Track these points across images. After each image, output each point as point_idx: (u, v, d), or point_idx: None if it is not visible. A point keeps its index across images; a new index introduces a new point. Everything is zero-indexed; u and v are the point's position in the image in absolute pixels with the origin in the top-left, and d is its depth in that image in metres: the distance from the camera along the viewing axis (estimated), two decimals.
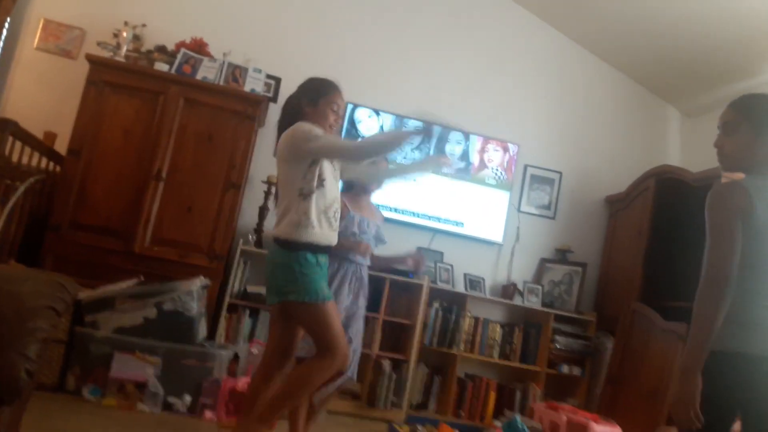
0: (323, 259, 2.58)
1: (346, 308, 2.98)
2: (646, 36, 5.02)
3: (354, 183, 3.19)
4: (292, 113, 2.69)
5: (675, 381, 1.78)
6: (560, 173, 5.38)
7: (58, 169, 4.25)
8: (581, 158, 5.47)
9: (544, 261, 5.26)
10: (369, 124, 4.97)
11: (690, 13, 4.53)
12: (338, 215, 2.67)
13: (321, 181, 2.55)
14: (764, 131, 1.85)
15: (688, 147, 5.57)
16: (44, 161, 4.12)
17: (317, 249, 2.52)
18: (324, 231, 2.55)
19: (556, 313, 4.88)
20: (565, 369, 4.83)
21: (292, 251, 2.48)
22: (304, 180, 2.53)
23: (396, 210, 4.92)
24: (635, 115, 5.64)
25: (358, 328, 3.08)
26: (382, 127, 4.99)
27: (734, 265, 1.74)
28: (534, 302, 4.95)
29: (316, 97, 2.68)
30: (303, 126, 2.57)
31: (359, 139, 2.48)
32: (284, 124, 2.70)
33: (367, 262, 3.14)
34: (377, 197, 3.25)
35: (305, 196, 2.52)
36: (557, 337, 4.84)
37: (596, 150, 5.52)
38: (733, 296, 1.75)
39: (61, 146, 4.22)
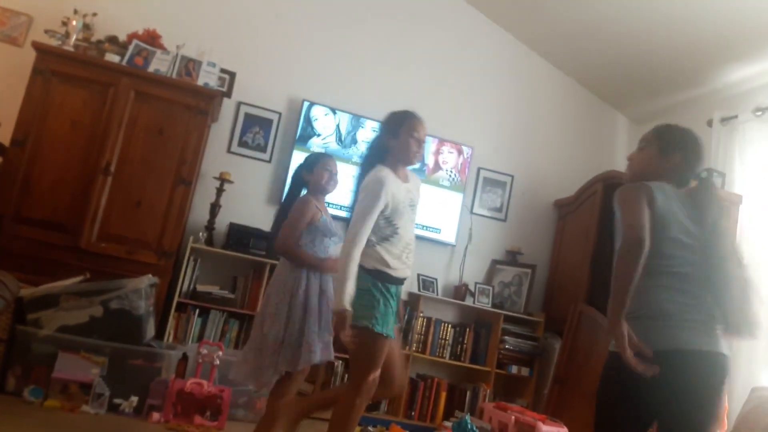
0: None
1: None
2: (597, 42, 5.14)
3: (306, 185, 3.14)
4: (378, 149, 2.77)
5: (605, 335, 1.94)
6: (512, 176, 5.46)
7: (0, 159, 4.08)
8: (532, 162, 5.56)
9: (495, 262, 5.34)
10: (325, 123, 4.94)
11: (640, 22, 4.66)
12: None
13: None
14: (668, 152, 2.12)
15: None
16: None
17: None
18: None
19: (505, 314, 4.95)
20: (514, 369, 4.91)
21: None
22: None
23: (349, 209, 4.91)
24: (585, 121, 5.78)
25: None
26: (338, 126, 4.97)
27: (646, 231, 1.87)
28: (484, 303, 5.01)
29: (396, 129, 2.71)
30: (371, 176, 2.63)
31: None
32: (368, 162, 2.76)
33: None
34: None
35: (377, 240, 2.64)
36: (506, 338, 4.92)
37: (547, 154, 5.63)
38: (642, 291, 1.89)
39: (4, 136, 4.06)
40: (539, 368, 4.99)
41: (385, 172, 2.61)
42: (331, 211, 3.22)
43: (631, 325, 1.83)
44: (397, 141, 2.69)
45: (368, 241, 2.56)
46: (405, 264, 2.66)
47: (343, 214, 3.35)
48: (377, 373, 2.58)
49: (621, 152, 5.82)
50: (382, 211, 2.57)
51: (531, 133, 5.59)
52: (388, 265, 2.59)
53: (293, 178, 3.19)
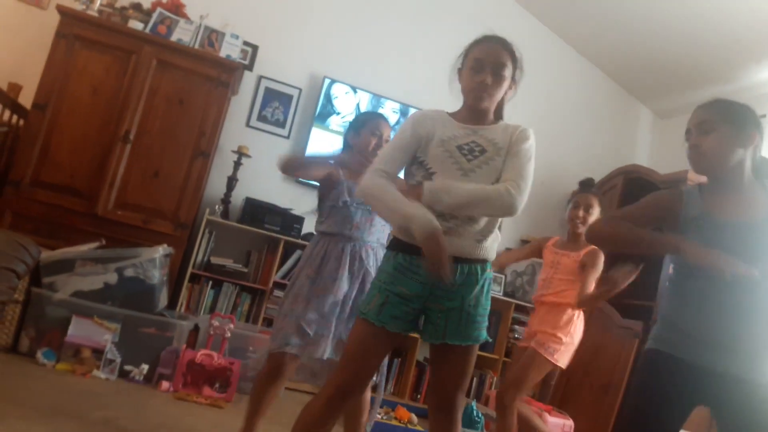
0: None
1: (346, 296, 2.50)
2: (625, 33, 5.05)
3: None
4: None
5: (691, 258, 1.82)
6: None
7: (21, 122, 4.09)
8: (552, 151, 5.50)
9: (508, 251, 5.30)
10: (345, 101, 4.91)
11: (670, 15, 4.58)
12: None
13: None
14: (741, 135, 1.88)
15: (657, 148, 5.67)
16: (7, 114, 3.96)
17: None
18: None
19: (516, 302, 4.94)
20: None
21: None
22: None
23: None
24: (608, 112, 5.70)
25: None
26: (358, 106, 4.93)
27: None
28: (496, 291, 4.99)
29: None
30: None
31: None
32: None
33: (372, 239, 2.59)
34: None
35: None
36: (516, 327, 4.91)
37: (567, 144, 5.57)
38: (669, 296, 1.89)
39: (26, 99, 4.06)
40: None
41: None
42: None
43: None
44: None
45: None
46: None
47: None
48: (350, 378, 1.87)
49: (643, 146, 5.76)
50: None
51: (552, 122, 5.53)
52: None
53: (342, 139, 2.75)
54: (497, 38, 2.03)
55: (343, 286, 2.46)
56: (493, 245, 1.93)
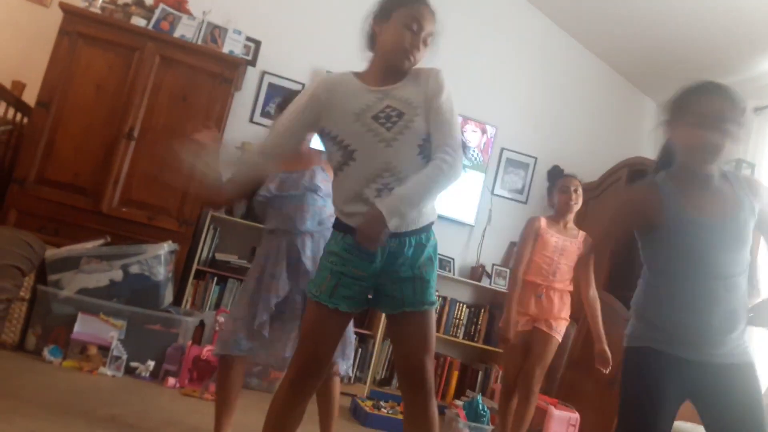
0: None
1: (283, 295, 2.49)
2: (629, 26, 5.02)
3: None
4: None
5: None
6: (535, 158, 5.40)
7: (25, 120, 4.10)
8: (557, 144, 5.48)
9: (513, 245, 5.29)
10: None
11: (674, 7, 4.54)
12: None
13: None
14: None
15: (661, 140, 5.63)
16: (11, 112, 3.97)
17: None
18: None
19: None
20: None
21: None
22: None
23: None
24: (612, 105, 5.68)
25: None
26: None
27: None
28: (501, 285, 4.99)
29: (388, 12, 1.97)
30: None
31: None
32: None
33: (308, 226, 2.53)
34: None
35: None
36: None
37: (572, 137, 5.54)
38: (648, 296, 1.92)
39: (30, 97, 4.07)
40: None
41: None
42: None
43: None
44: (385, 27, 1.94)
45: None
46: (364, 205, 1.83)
47: None
48: (309, 360, 1.86)
49: (647, 138, 5.72)
50: (323, 129, 1.92)
51: (557, 115, 5.51)
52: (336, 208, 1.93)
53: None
54: (424, 3, 1.97)
55: (284, 284, 2.46)
56: (431, 208, 1.91)
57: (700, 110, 1.82)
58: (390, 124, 1.82)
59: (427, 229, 1.90)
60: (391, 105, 1.85)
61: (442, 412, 3.86)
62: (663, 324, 1.87)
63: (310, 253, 2.52)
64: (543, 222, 3.52)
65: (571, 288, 3.51)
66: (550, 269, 3.43)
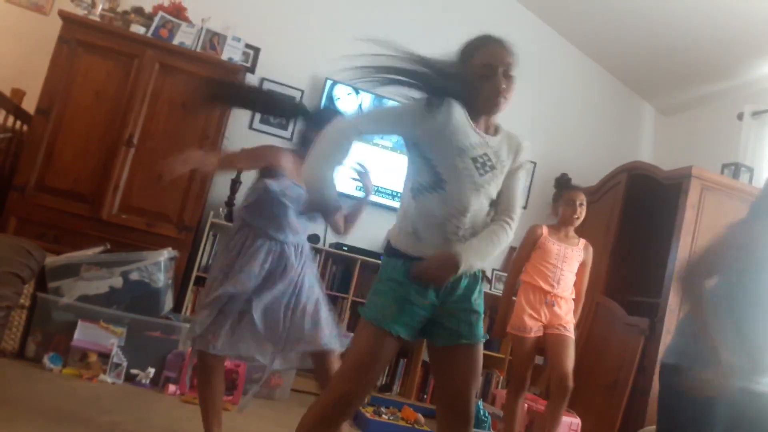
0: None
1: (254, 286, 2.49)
2: (627, 30, 5.04)
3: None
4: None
5: None
6: (534, 163, 5.40)
7: (25, 128, 4.11)
8: (555, 149, 5.50)
9: (513, 250, 5.30)
10: (347, 102, 4.91)
11: (671, 11, 4.56)
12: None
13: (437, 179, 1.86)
14: None
15: (660, 144, 5.65)
16: (11, 119, 3.98)
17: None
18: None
19: None
20: None
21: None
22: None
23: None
24: (611, 110, 5.69)
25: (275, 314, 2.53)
26: (360, 107, 4.93)
27: None
28: (501, 290, 4.98)
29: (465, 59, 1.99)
30: None
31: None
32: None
33: (296, 239, 2.60)
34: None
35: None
36: None
37: (570, 142, 5.56)
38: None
39: (29, 105, 4.07)
40: None
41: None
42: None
43: None
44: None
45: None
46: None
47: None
48: (357, 387, 1.81)
49: (646, 143, 5.75)
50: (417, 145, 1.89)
51: (555, 120, 5.52)
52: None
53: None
54: (499, 38, 1.97)
55: (245, 280, 2.46)
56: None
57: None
58: (483, 172, 1.85)
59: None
60: (488, 154, 1.88)
61: None
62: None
63: (298, 259, 2.57)
64: (544, 230, 3.59)
65: (574, 296, 3.57)
66: (555, 277, 3.49)
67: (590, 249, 3.63)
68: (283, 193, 2.51)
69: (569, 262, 3.52)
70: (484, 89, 1.86)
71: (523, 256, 3.59)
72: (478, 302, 1.90)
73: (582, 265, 3.58)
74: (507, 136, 1.96)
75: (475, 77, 1.87)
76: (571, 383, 3.38)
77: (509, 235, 1.88)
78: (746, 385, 1.81)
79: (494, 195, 1.90)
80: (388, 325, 1.79)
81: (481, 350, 1.89)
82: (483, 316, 1.91)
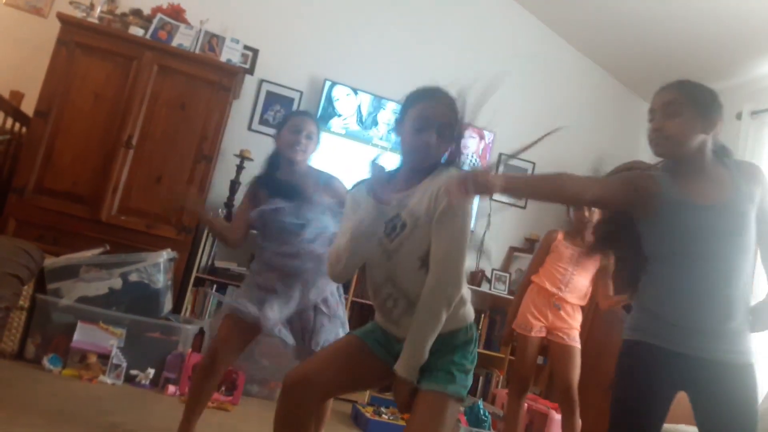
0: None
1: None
2: (625, 30, 5.04)
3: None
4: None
5: None
6: (533, 163, 5.41)
7: (24, 130, 4.11)
8: (554, 149, 5.46)
9: (513, 249, 5.31)
10: (346, 103, 4.91)
11: (669, 11, 4.56)
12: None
13: None
14: (706, 121, 1.86)
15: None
16: (9, 122, 3.98)
17: None
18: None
19: None
20: None
21: None
22: None
23: None
24: (609, 109, 5.69)
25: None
26: (359, 107, 4.93)
27: None
28: (501, 290, 4.99)
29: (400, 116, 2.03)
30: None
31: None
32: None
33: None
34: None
35: None
36: None
37: (569, 141, 5.53)
38: (647, 284, 1.92)
39: (28, 107, 4.08)
40: None
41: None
42: None
43: None
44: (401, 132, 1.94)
45: None
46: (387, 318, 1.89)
47: None
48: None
49: (645, 142, 5.73)
50: None
51: (554, 119, 5.46)
52: None
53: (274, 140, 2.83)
54: (440, 94, 1.92)
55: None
56: (457, 312, 1.81)
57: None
58: (394, 236, 1.85)
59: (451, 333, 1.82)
60: (399, 215, 1.85)
61: None
62: (661, 311, 1.85)
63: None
64: (560, 235, 3.59)
65: (584, 303, 3.56)
66: (563, 279, 3.48)
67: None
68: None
69: (583, 267, 3.48)
70: (414, 141, 1.84)
71: (537, 260, 3.62)
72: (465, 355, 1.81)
73: (602, 269, 3.48)
74: (435, 182, 1.83)
75: (409, 129, 1.86)
76: (575, 395, 3.38)
77: (437, 312, 1.71)
78: (683, 349, 1.81)
79: (422, 252, 1.78)
80: (360, 333, 1.95)
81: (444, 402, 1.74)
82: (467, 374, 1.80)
